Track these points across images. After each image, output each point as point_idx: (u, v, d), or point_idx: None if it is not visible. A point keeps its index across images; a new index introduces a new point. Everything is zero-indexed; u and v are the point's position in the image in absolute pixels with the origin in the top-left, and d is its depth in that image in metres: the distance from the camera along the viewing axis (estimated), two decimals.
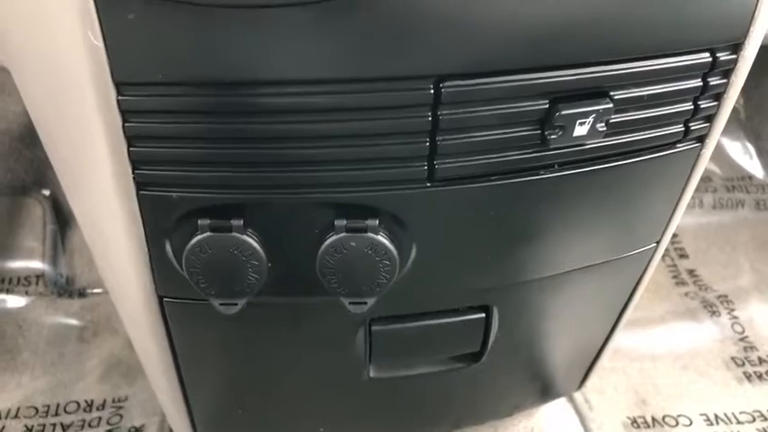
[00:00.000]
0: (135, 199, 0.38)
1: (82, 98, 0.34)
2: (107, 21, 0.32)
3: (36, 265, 1.00)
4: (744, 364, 0.91)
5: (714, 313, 0.98)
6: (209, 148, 0.36)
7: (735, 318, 0.97)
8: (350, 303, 0.41)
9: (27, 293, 0.98)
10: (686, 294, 1.02)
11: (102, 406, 0.85)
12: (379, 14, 0.32)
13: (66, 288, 1.00)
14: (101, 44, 0.32)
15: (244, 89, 0.34)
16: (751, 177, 1.19)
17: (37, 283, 0.99)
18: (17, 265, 1.00)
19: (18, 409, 0.84)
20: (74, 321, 0.96)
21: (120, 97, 0.34)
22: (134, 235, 0.40)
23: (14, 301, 0.96)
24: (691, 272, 1.07)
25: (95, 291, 1.00)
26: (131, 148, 0.36)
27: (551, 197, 0.41)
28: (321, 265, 0.40)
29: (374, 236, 0.39)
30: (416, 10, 0.32)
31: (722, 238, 1.12)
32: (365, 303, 0.41)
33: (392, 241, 0.40)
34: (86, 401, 0.86)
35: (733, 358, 0.92)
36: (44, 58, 0.34)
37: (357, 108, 0.35)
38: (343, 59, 0.34)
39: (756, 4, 0.37)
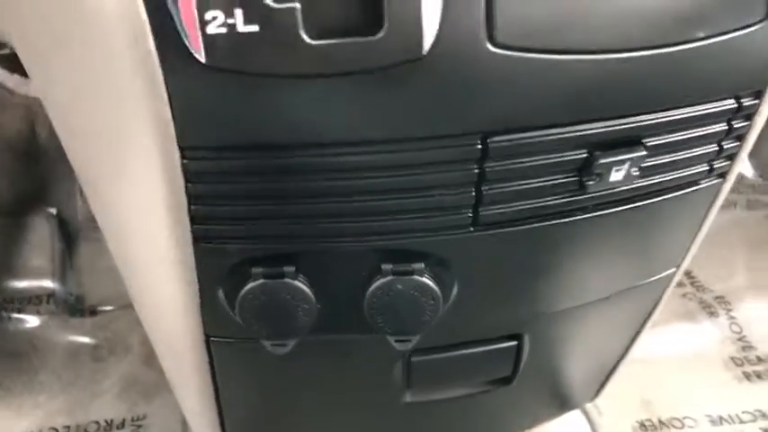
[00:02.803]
0: (191, 251, 0.40)
1: (146, 162, 0.36)
2: (174, 90, 0.33)
3: (46, 284, 1.01)
4: (743, 363, 0.94)
5: (712, 314, 1.01)
6: (267, 204, 0.38)
7: (732, 318, 1.01)
8: (395, 341, 0.43)
9: (39, 313, 0.98)
10: (684, 296, 1.06)
11: (122, 424, 0.87)
12: (432, 81, 0.34)
13: (76, 307, 1.01)
14: (168, 112, 0.34)
15: (305, 151, 0.36)
16: (742, 177, 1.23)
17: (48, 303, 1.00)
18: (27, 284, 1.00)
19: (40, 430, 0.85)
20: (87, 340, 0.97)
21: (184, 161, 0.35)
22: (186, 283, 0.42)
23: (27, 321, 0.97)
24: (687, 273, 1.10)
25: (106, 308, 1.01)
26: (192, 206, 0.37)
27: (584, 235, 0.43)
28: (368, 306, 0.42)
29: (420, 278, 0.41)
30: (468, 76, 0.34)
31: (717, 239, 1.15)
32: (410, 341, 0.43)
33: (436, 282, 0.41)
34: (106, 421, 0.87)
35: (732, 358, 0.95)
36: (110, 123, 0.36)
37: (408, 165, 0.37)
38: (397, 122, 0.35)
39: None
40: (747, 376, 0.93)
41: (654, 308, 0.57)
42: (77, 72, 0.35)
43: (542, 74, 0.35)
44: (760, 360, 0.95)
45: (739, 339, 0.98)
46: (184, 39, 0.32)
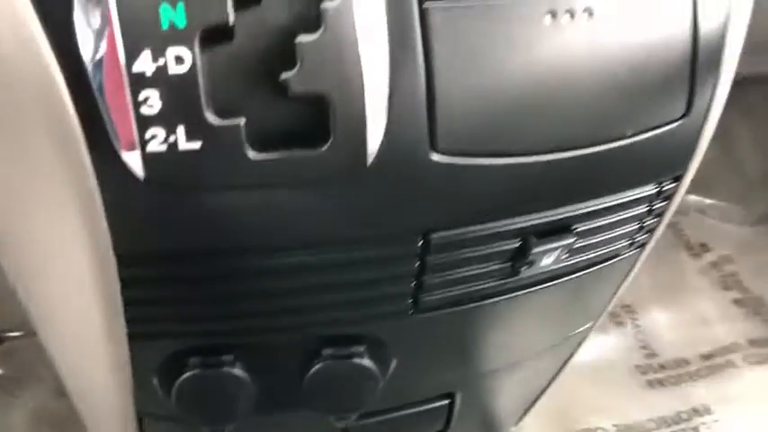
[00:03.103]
0: (126, 348, 0.39)
1: (79, 267, 0.34)
2: (111, 203, 0.32)
3: None
4: (647, 371, 1.00)
5: (620, 324, 1.07)
6: (205, 305, 0.37)
7: (637, 326, 1.07)
8: (335, 419, 0.44)
9: None
10: None
11: None
12: (377, 189, 0.34)
13: None
14: (104, 223, 0.33)
15: (246, 255, 0.35)
16: None
17: None
18: None
19: None
20: None
21: (120, 268, 0.34)
22: (120, 376, 0.40)
23: None
24: None
25: (12, 334, 0.96)
26: (128, 308, 0.36)
27: (515, 309, 0.45)
28: (308, 388, 0.42)
29: (359, 360, 0.41)
30: (412, 181, 0.35)
31: None
32: (349, 417, 0.44)
33: (374, 361, 0.42)
34: None
35: (637, 366, 1.01)
36: (41, 228, 0.34)
37: (350, 264, 0.37)
38: (339, 225, 0.35)
39: (695, 146, 0.42)
40: (651, 384, 0.98)
41: (576, 351, 0.60)
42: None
43: (482, 175, 0.36)
44: (662, 368, 1.01)
45: (643, 347, 1.04)
46: (123, 156, 0.31)
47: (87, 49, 0.30)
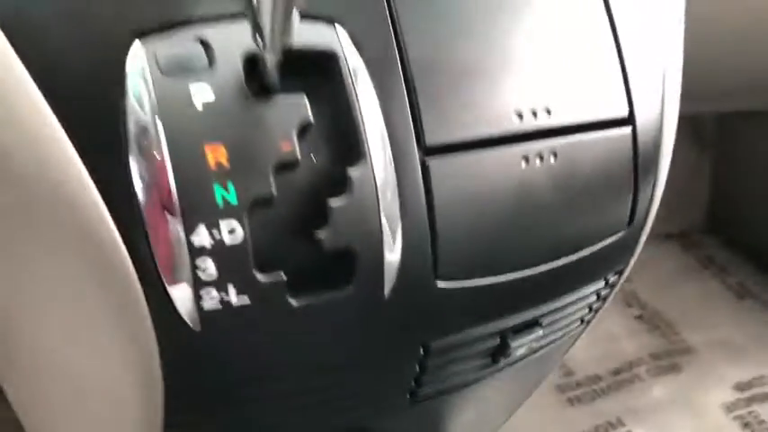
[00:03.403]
0: None
1: (126, 400, 0.38)
2: (166, 352, 0.36)
3: None
4: (566, 390, 1.10)
5: None
6: (239, 421, 0.42)
7: None
8: None
9: None
10: None
11: None
12: (391, 315, 0.40)
13: None
14: (158, 370, 0.37)
15: (276, 380, 0.40)
16: None
17: None
18: None
19: None
20: None
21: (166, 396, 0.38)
22: None
23: None
24: None
25: None
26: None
27: (489, 387, 0.52)
28: None
29: None
30: (421, 307, 0.41)
31: None
32: None
33: None
34: None
35: (558, 385, 1.11)
36: (91, 370, 0.37)
37: (363, 375, 0.43)
38: (358, 348, 0.41)
39: (636, 247, 0.50)
40: (570, 401, 1.08)
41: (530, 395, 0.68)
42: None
43: (475, 291, 0.43)
44: (578, 385, 1.11)
45: (561, 366, 1.14)
46: (179, 311, 0.35)
47: (142, 212, 0.34)
